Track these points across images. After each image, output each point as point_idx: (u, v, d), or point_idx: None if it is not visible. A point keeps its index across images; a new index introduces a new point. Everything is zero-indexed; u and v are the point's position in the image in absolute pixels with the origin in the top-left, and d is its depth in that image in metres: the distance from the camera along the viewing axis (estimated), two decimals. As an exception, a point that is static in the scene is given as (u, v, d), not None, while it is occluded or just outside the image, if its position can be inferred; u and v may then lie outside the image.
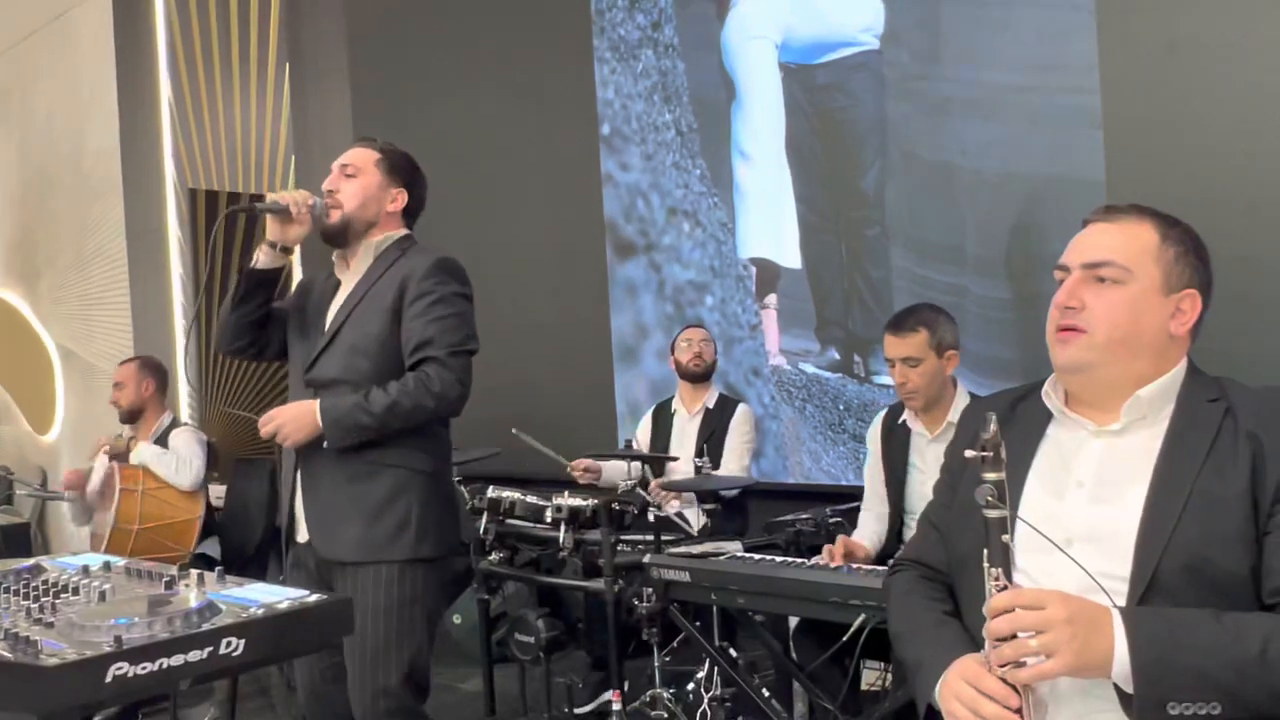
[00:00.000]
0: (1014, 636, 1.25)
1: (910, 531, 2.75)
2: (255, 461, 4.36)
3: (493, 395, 5.03)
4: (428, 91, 5.61)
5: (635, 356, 4.70)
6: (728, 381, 4.18)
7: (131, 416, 3.89)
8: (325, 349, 2.21)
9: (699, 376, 3.75)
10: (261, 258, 2.25)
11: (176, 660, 1.29)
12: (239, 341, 2.31)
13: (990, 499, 1.25)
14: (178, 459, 3.72)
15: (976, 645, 1.38)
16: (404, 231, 2.33)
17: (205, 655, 1.32)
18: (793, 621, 3.32)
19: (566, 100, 4.92)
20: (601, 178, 4.76)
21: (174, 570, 1.74)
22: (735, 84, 4.29)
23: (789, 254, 4.13)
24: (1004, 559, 1.26)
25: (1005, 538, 1.26)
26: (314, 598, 1.50)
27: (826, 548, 2.61)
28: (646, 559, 2.60)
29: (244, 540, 3.97)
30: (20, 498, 6.05)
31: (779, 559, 2.56)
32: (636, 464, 3.26)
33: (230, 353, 2.35)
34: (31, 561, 1.85)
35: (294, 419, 2.12)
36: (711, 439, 3.60)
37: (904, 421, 2.78)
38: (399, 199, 2.30)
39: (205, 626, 1.35)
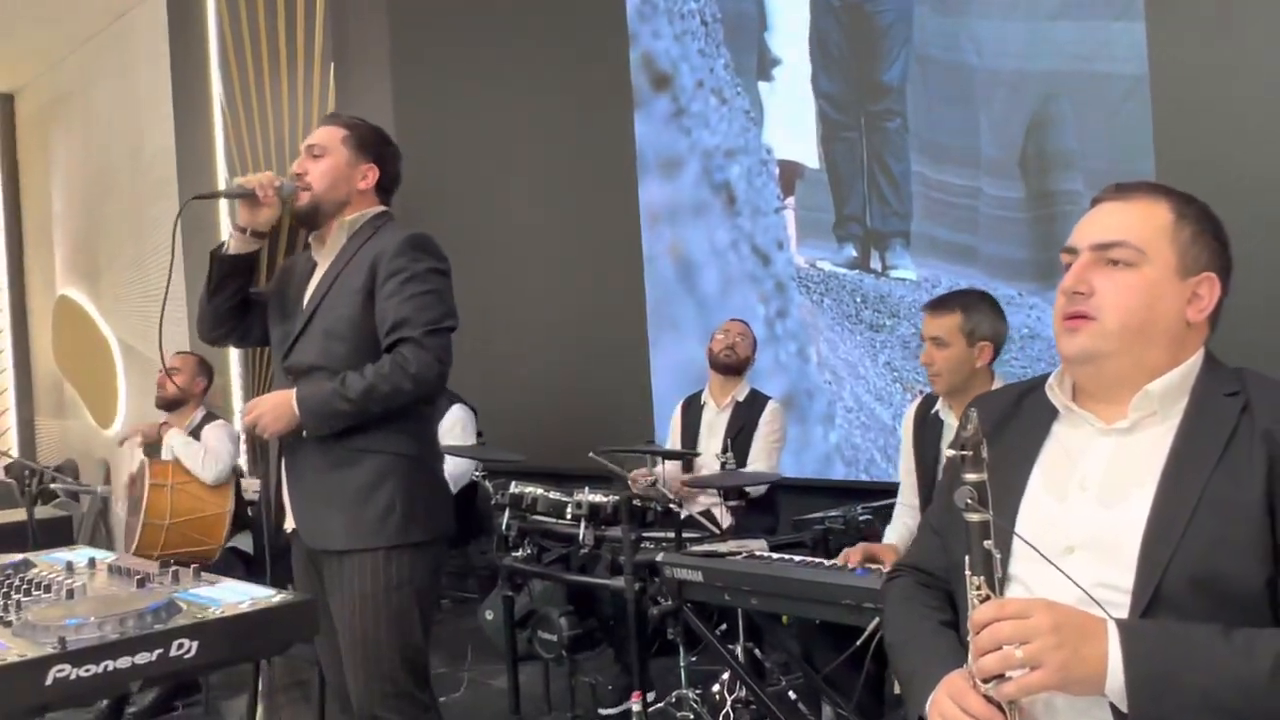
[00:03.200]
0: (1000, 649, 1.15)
1: (938, 530, 2.64)
2: (288, 456, 4.36)
3: (523, 386, 5.07)
4: (468, 88, 5.61)
5: (686, 280, 4.70)
6: (754, 243, 4.34)
7: (172, 405, 3.93)
8: (301, 334, 2.17)
9: (729, 369, 3.67)
10: (232, 244, 2.19)
11: (124, 663, 1.26)
12: (218, 330, 2.27)
13: (970, 502, 1.15)
14: (205, 452, 3.74)
15: (972, 657, 1.28)
16: (379, 208, 2.26)
17: (155, 657, 1.28)
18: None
19: (604, 80, 4.88)
20: (632, 95, 4.81)
21: (154, 567, 1.71)
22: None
23: (809, 153, 4.22)
24: (986, 567, 1.17)
25: (988, 544, 1.17)
26: (278, 597, 1.45)
27: (846, 552, 2.51)
28: (660, 558, 2.53)
29: (278, 536, 3.97)
30: (81, 494, 6.16)
31: (797, 559, 2.47)
32: (669, 461, 3.18)
33: (211, 341, 2.31)
34: (21, 557, 1.84)
35: (272, 409, 2.06)
36: (740, 434, 3.51)
37: (936, 413, 2.66)
38: (369, 175, 2.22)
39: (157, 627, 1.31)
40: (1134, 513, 1.25)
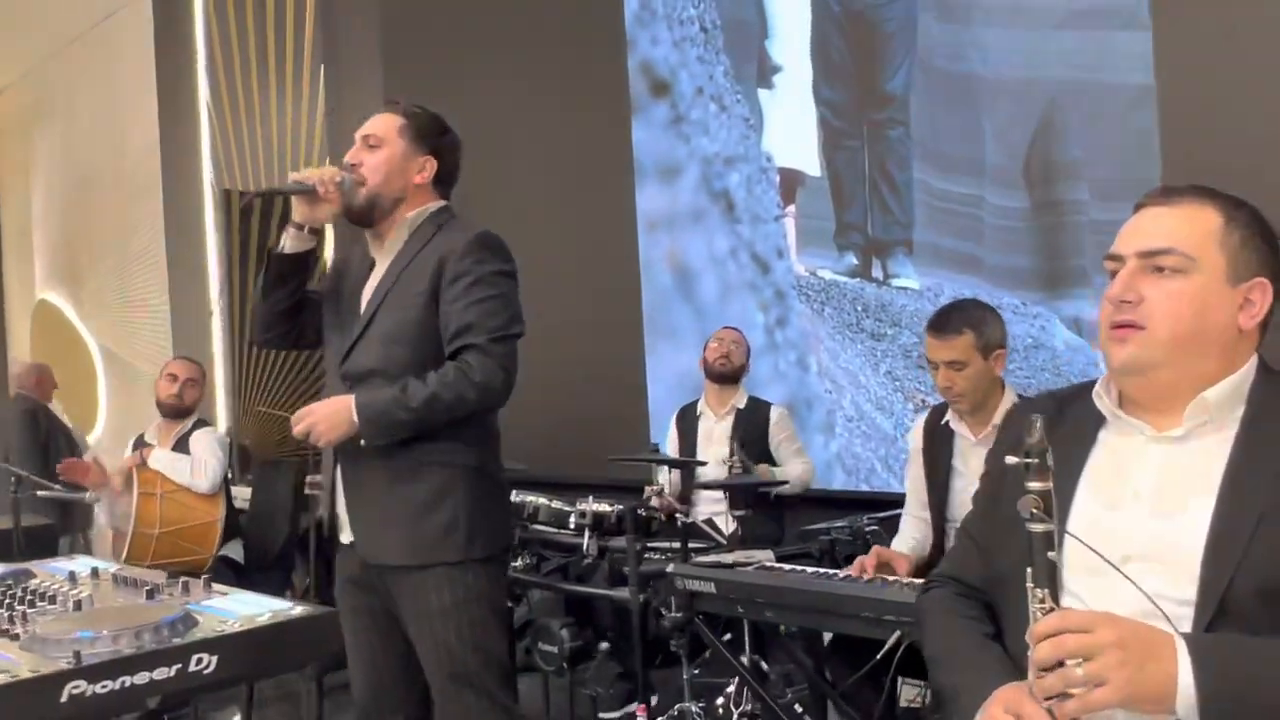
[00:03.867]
0: (1062, 665, 1.11)
1: (952, 540, 2.60)
2: (280, 463, 4.29)
3: (517, 393, 4.99)
4: (461, 92, 5.55)
5: (687, 283, 4.66)
6: (753, 251, 4.32)
7: (180, 415, 3.83)
8: (360, 338, 2.05)
9: (725, 377, 3.63)
10: (289, 241, 2.05)
11: (141, 678, 1.19)
12: (272, 331, 2.15)
13: (1035, 511, 1.11)
14: (193, 462, 3.65)
15: (1020, 671, 1.24)
16: (439, 203, 2.16)
17: (173, 673, 1.22)
18: (827, 635, 3.18)
19: (601, 86, 4.84)
20: (630, 101, 4.78)
21: (162, 578, 1.65)
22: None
23: (810, 161, 4.20)
24: (1050, 578, 1.13)
25: (1052, 555, 1.13)
26: (298, 610, 1.39)
27: (859, 559, 2.47)
28: (670, 569, 2.47)
29: (268, 543, 3.90)
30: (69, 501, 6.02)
31: (810, 570, 2.42)
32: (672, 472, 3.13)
33: (265, 343, 2.18)
34: (21, 566, 1.77)
35: (328, 417, 1.93)
36: (745, 441, 3.46)
37: (947, 423, 2.62)
38: (427, 168, 2.10)
39: (175, 641, 1.25)
40: (1193, 523, 1.21)
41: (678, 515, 2.77)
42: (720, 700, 3.06)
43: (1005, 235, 3.64)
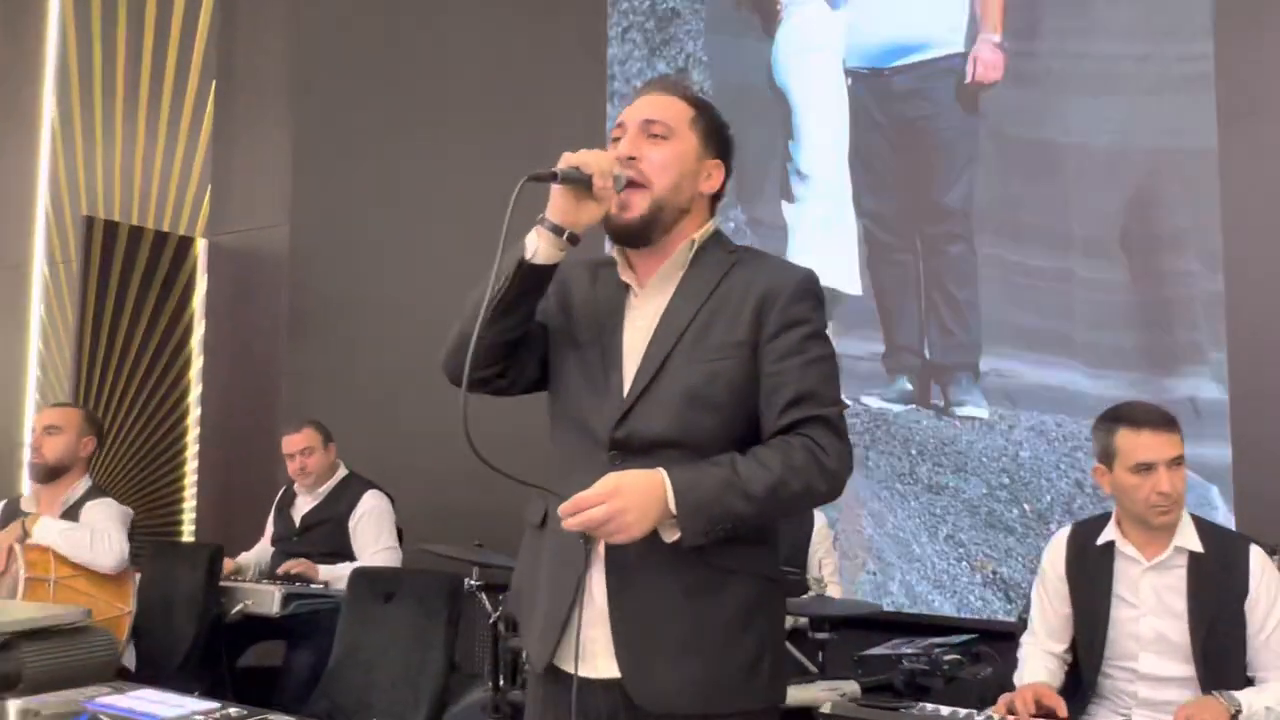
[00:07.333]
0: None
1: (1114, 684, 2.22)
2: (185, 545, 3.46)
3: (465, 477, 4.26)
4: (387, 122, 4.86)
5: None
6: None
7: (52, 475, 2.97)
8: (643, 395, 1.51)
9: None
10: (542, 247, 1.50)
11: None
12: (490, 369, 1.56)
13: None
14: (93, 532, 2.84)
15: None
16: (714, 224, 1.63)
17: None
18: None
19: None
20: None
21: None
22: (789, 100, 3.94)
23: (848, 279, 3.76)
24: None
25: None
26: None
27: (1009, 698, 2.09)
28: (827, 708, 1.97)
29: (168, 646, 3.07)
30: None
31: (963, 712, 2.00)
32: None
33: (471, 384, 1.50)
34: None
35: (639, 501, 1.39)
36: (794, 554, 3.03)
37: (1111, 543, 2.25)
38: (715, 176, 1.60)
39: None
40: None
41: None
42: None
43: (1099, 310, 3.29)
